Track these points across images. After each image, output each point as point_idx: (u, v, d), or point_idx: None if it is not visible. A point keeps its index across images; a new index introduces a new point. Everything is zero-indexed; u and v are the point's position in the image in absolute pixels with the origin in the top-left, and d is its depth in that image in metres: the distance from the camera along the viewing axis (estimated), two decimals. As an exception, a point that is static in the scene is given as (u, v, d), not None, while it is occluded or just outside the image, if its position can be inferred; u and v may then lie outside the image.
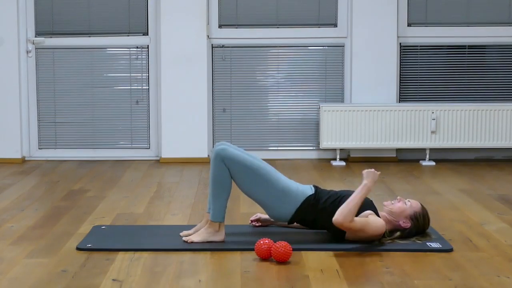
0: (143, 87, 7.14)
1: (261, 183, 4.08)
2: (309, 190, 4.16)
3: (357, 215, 4.00)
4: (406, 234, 4.09)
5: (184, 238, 4.14)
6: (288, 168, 6.62)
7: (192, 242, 4.09)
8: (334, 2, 7.06)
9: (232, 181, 4.14)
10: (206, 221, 4.20)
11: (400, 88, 7.13)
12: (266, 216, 4.45)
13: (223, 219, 4.12)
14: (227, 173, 4.07)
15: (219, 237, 4.12)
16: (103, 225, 4.54)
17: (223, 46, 7.09)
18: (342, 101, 7.12)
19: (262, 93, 7.15)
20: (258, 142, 7.17)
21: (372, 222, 3.98)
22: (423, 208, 4.12)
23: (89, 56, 7.11)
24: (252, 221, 4.49)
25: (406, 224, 4.07)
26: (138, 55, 7.11)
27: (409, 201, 4.13)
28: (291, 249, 3.75)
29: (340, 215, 3.89)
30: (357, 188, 4.00)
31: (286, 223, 4.27)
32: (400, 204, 4.10)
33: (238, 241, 4.13)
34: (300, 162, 7.00)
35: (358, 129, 6.88)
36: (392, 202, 4.14)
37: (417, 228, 4.09)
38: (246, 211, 4.86)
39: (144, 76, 7.13)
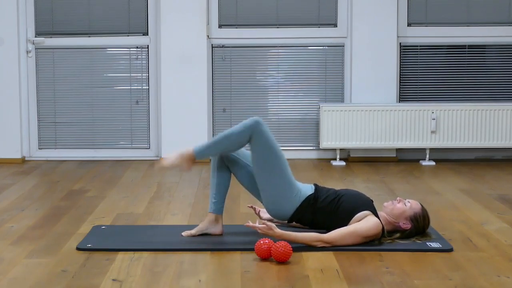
0: (143, 87, 7.14)
1: (274, 169, 4.08)
2: (309, 189, 4.17)
3: (353, 215, 4.01)
4: (406, 234, 4.08)
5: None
6: (288, 168, 6.62)
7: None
8: (334, 2, 7.06)
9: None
10: (208, 221, 4.22)
11: (400, 88, 7.13)
12: (265, 212, 4.43)
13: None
14: (245, 141, 4.06)
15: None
16: (103, 225, 4.54)
17: (223, 46, 7.09)
18: (342, 101, 7.12)
19: (262, 93, 7.16)
20: (258, 142, 7.15)
21: (359, 227, 3.97)
22: (423, 209, 4.11)
23: (89, 56, 7.11)
24: (250, 207, 4.50)
25: (406, 225, 4.07)
26: (138, 55, 7.11)
27: (409, 201, 4.12)
28: (291, 249, 3.75)
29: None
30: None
31: (286, 221, 4.28)
32: (400, 205, 4.09)
33: (238, 241, 4.13)
34: (300, 162, 7.00)
35: (358, 129, 6.88)
36: (392, 202, 4.14)
37: (417, 229, 4.09)
38: (246, 211, 4.86)
39: (144, 76, 7.13)
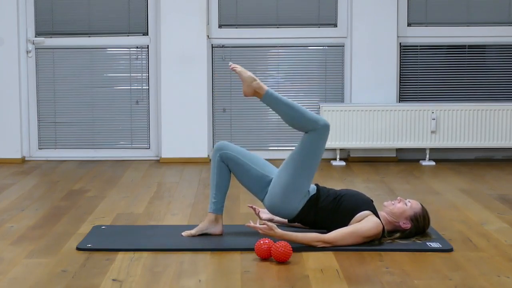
0: (143, 87, 7.15)
1: (305, 170, 4.08)
2: (312, 189, 4.17)
3: (354, 215, 4.02)
4: (406, 234, 4.08)
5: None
6: (288, 168, 6.61)
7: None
8: (334, 2, 7.06)
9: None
10: (208, 221, 4.23)
11: (400, 88, 7.13)
12: (265, 212, 4.43)
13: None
14: (302, 128, 4.08)
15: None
16: (103, 225, 4.54)
17: (223, 46, 7.09)
18: (342, 101, 7.12)
19: (262, 93, 7.14)
20: (258, 142, 7.17)
21: (360, 227, 3.97)
22: (423, 208, 4.11)
23: (89, 56, 7.11)
24: (249, 206, 4.50)
25: (406, 225, 4.07)
26: (138, 55, 7.11)
27: (409, 201, 4.12)
28: (291, 249, 3.75)
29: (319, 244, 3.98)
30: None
31: (286, 221, 4.28)
32: (400, 205, 4.09)
33: (238, 241, 4.13)
34: (300, 162, 6.99)
35: (358, 129, 6.88)
36: (393, 202, 4.14)
37: (417, 229, 4.09)
38: (246, 211, 4.86)
39: (144, 76, 7.13)
